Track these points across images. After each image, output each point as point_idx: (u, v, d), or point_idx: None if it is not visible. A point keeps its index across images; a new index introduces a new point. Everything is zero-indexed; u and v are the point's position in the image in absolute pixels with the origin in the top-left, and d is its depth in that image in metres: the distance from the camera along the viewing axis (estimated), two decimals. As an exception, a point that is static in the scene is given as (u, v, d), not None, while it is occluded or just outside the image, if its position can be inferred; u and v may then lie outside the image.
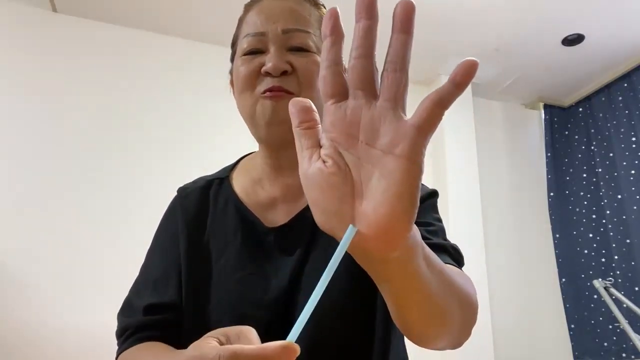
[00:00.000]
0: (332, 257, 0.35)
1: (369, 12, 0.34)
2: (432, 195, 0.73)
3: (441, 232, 0.67)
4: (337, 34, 0.36)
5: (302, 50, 0.67)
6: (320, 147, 0.37)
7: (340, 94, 0.36)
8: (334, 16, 0.36)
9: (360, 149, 0.36)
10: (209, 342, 0.38)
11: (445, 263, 0.54)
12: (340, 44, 0.36)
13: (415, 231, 0.39)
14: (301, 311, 0.37)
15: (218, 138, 2.58)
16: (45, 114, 2.38)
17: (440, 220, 0.70)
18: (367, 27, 0.34)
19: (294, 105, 0.38)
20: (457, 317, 0.50)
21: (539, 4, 2.47)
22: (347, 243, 0.35)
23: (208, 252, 0.72)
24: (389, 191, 0.34)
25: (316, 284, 0.34)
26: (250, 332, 0.40)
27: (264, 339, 0.65)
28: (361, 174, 0.36)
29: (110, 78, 2.54)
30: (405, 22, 0.33)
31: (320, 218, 0.37)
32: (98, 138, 2.43)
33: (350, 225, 0.35)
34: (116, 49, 2.60)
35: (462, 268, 0.63)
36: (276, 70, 0.65)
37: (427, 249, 0.44)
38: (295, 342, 0.35)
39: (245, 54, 0.69)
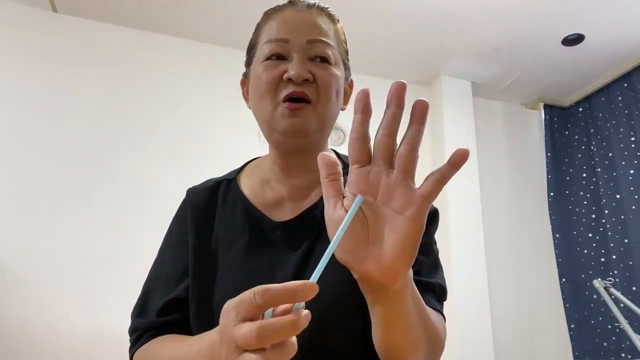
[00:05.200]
0: (343, 222, 0.43)
1: (398, 103, 0.43)
2: (433, 218, 0.74)
3: (432, 265, 0.71)
4: (366, 112, 0.44)
5: (323, 60, 0.71)
6: (344, 197, 0.46)
7: (364, 160, 0.45)
8: (366, 97, 0.43)
9: (377, 206, 0.45)
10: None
11: (429, 304, 0.64)
12: (368, 121, 0.45)
13: (410, 272, 0.50)
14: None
15: (218, 137, 2.58)
16: (45, 114, 2.38)
17: (435, 243, 0.75)
18: (395, 114, 0.43)
19: (322, 160, 0.46)
20: (424, 347, 0.58)
21: (539, 4, 2.47)
22: (355, 209, 0.43)
23: (216, 246, 0.74)
24: (396, 242, 0.43)
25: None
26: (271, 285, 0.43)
27: None
28: (376, 225, 0.45)
29: (110, 78, 2.54)
30: (420, 116, 0.43)
31: (339, 253, 0.46)
32: (98, 138, 2.43)
33: (359, 195, 0.43)
34: (116, 49, 2.60)
35: (444, 302, 0.71)
36: (299, 77, 0.68)
37: (415, 289, 0.54)
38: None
39: (267, 59, 0.71)
